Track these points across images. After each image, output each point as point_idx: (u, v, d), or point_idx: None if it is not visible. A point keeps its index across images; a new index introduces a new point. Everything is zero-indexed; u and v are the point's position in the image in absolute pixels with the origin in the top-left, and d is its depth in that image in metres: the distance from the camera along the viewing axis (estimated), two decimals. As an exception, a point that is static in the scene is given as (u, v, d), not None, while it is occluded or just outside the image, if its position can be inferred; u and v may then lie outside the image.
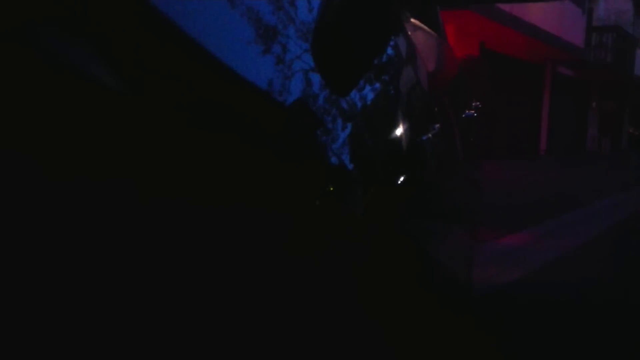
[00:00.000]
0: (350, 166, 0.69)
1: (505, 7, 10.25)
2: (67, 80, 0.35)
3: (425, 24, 1.20)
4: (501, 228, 4.45)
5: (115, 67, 0.38)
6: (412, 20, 1.12)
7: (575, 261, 3.66)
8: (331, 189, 0.64)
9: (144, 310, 0.37)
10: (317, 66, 0.64)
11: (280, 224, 0.53)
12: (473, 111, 1.52)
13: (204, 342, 0.42)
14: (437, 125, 1.13)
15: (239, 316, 0.47)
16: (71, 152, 0.34)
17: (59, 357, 0.32)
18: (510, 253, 3.75)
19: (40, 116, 0.33)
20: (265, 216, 0.51)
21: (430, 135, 1.06)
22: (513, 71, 14.14)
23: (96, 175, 0.35)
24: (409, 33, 1.07)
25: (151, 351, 0.38)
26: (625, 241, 4.48)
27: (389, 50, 0.95)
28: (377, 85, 0.84)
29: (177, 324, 0.40)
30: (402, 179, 0.86)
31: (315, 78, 0.64)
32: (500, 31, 10.96)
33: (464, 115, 1.43)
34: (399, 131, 0.88)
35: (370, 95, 0.80)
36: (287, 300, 0.54)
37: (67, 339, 0.33)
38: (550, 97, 16.20)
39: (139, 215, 0.38)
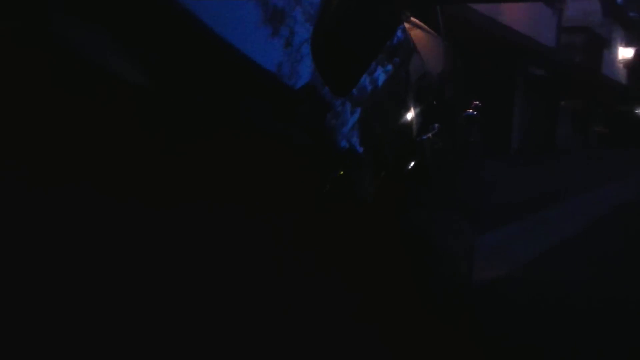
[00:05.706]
0: (360, 149, 0.70)
1: (478, 7, 10.37)
2: (87, 73, 0.35)
3: (425, 24, 1.21)
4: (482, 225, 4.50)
5: (128, 50, 0.39)
6: (412, 19, 1.12)
7: (555, 258, 3.72)
8: (341, 172, 0.65)
9: (153, 308, 0.37)
10: (317, 66, 0.65)
11: (290, 210, 0.53)
12: (473, 110, 1.54)
13: (205, 342, 0.42)
14: (437, 125, 1.14)
15: (246, 311, 0.47)
16: (90, 145, 0.34)
17: (59, 357, 0.32)
18: (492, 248, 3.79)
19: (62, 108, 0.33)
20: (274, 201, 0.51)
21: (430, 135, 1.07)
22: (484, 71, 14.31)
23: (106, 170, 0.35)
24: (409, 33, 1.08)
25: (151, 352, 0.38)
26: (605, 236, 4.57)
27: (389, 50, 0.96)
28: (380, 80, 0.85)
29: (178, 324, 0.40)
30: (408, 168, 0.87)
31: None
32: (472, 31, 11.08)
33: (464, 115, 1.44)
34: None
35: (373, 90, 0.80)
36: (290, 288, 0.54)
37: (68, 339, 0.33)
38: (521, 96, 16.43)
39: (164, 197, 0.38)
